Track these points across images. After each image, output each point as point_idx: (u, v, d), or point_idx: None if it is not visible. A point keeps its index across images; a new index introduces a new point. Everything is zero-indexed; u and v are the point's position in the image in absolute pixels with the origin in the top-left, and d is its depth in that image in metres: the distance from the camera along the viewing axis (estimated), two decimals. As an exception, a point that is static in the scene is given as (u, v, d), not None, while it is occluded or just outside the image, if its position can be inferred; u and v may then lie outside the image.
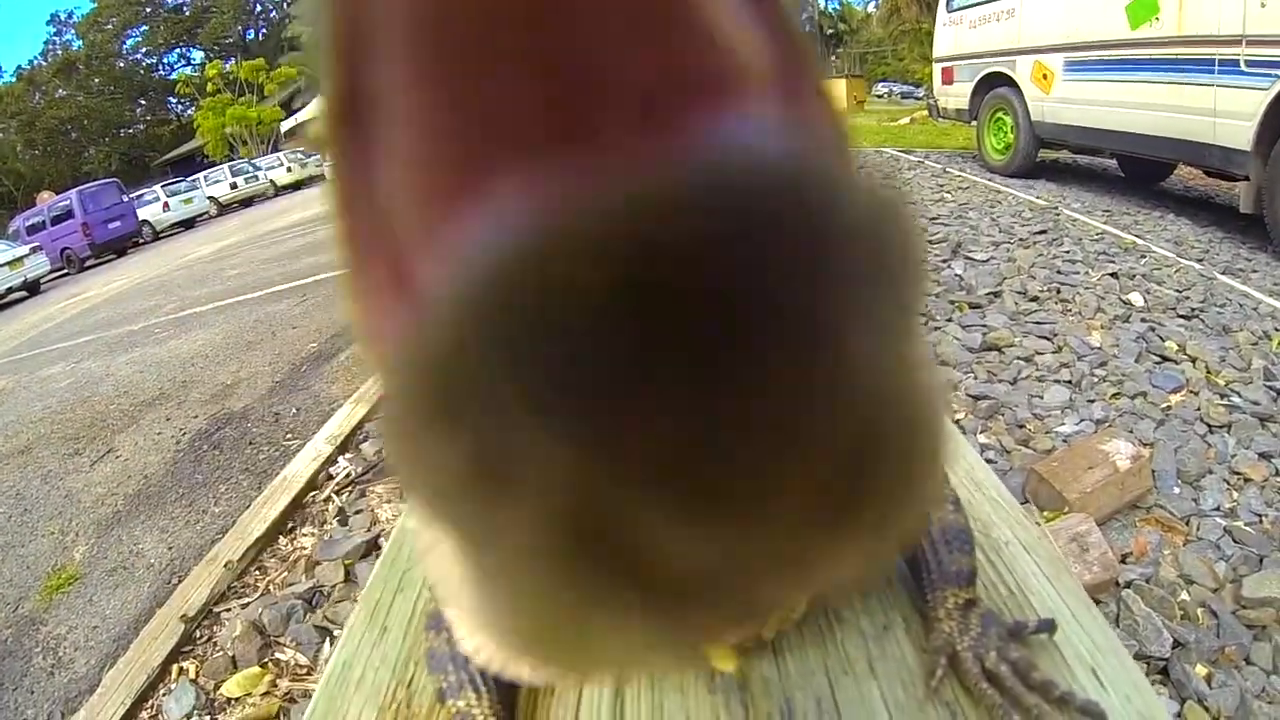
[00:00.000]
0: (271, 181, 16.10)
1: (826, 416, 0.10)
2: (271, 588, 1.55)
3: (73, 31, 32.92)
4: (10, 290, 9.33)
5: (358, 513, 1.73)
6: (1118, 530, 1.40)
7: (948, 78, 5.20)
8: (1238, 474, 1.53)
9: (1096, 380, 1.88)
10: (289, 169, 16.23)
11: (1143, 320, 2.21)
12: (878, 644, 0.49)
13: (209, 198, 15.08)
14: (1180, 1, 3.07)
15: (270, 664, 1.35)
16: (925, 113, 7.05)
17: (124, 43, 33.20)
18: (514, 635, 0.15)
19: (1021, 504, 1.00)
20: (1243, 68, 2.77)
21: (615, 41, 0.10)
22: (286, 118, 21.55)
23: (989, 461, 1.54)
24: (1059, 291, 2.42)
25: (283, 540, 1.71)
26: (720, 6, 0.11)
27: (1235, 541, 1.34)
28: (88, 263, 11.54)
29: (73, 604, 1.70)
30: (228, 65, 25.31)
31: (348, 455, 2.00)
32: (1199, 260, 2.77)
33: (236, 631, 1.42)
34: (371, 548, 1.58)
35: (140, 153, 32.02)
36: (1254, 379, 1.86)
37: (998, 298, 2.41)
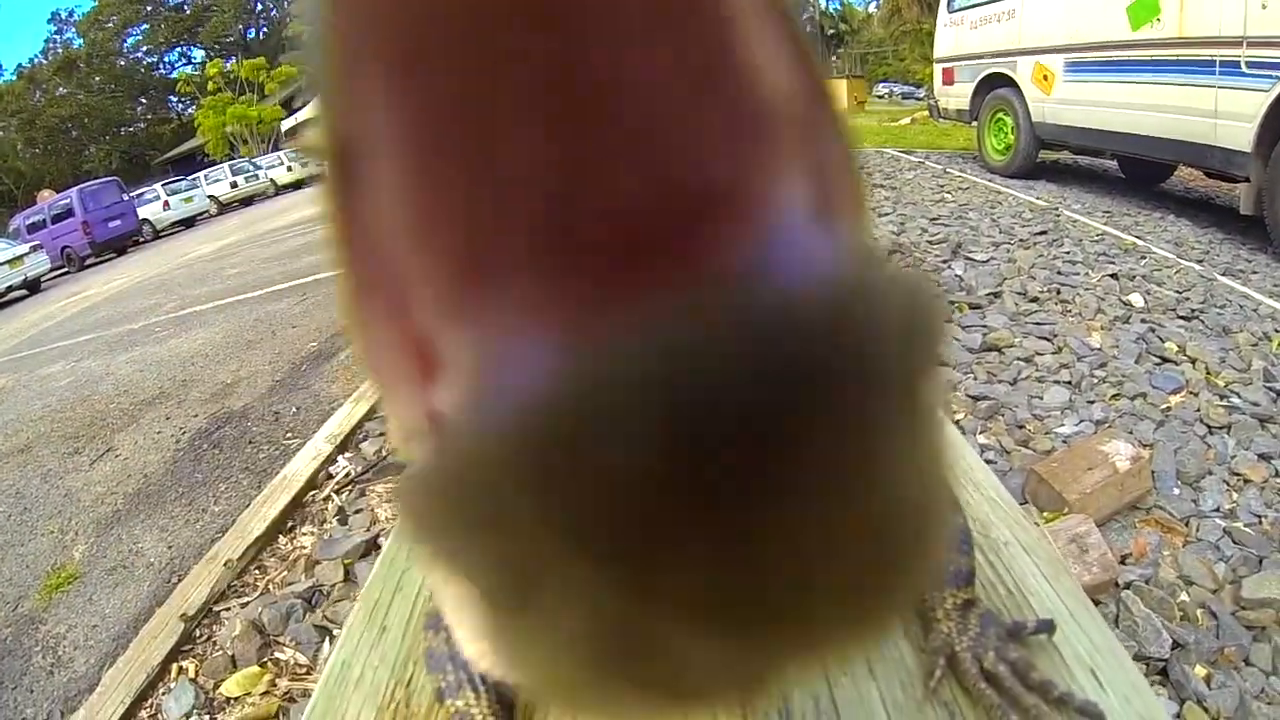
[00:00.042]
0: (272, 180, 16.09)
1: (859, 543, 0.10)
2: (271, 587, 1.55)
3: (73, 30, 32.97)
4: (10, 289, 9.33)
5: (357, 512, 1.73)
6: (1117, 531, 1.40)
7: (948, 78, 5.20)
8: (1237, 475, 1.53)
9: (1096, 381, 1.88)
10: (289, 168, 16.21)
11: (1143, 321, 2.21)
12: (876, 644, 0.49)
13: (209, 196, 15.07)
14: (1181, 3, 3.07)
15: (270, 663, 1.35)
16: (926, 113, 7.05)
17: (125, 41, 33.23)
18: (523, 681, 0.15)
19: (1021, 505, 1.00)
20: (1243, 69, 2.77)
21: (671, 136, 0.09)
22: (287, 117, 21.55)
23: (988, 462, 1.54)
24: (1059, 292, 2.42)
25: (282, 539, 1.71)
26: (759, 67, 0.10)
27: (1235, 542, 1.34)
28: (88, 261, 11.54)
29: (72, 603, 1.70)
30: (228, 64, 25.30)
31: (347, 454, 2.00)
32: (1199, 261, 2.76)
33: (236, 631, 1.42)
34: (371, 547, 1.58)
35: (141, 151, 32.02)
36: (1254, 380, 1.86)
37: (998, 298, 2.40)
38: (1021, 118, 4.36)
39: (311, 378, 2.76)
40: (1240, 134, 2.82)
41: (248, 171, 16.19)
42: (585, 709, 0.14)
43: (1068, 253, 2.82)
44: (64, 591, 1.75)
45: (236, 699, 1.29)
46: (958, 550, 0.48)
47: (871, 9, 24.40)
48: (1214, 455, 1.59)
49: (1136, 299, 2.36)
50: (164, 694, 1.34)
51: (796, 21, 0.12)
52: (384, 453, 1.93)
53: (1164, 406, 1.76)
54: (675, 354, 0.09)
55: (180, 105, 31.77)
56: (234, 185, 15.65)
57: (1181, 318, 2.24)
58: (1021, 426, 1.72)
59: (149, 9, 32.63)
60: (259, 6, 34.07)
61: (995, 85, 4.64)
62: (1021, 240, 3.01)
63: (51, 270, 10.55)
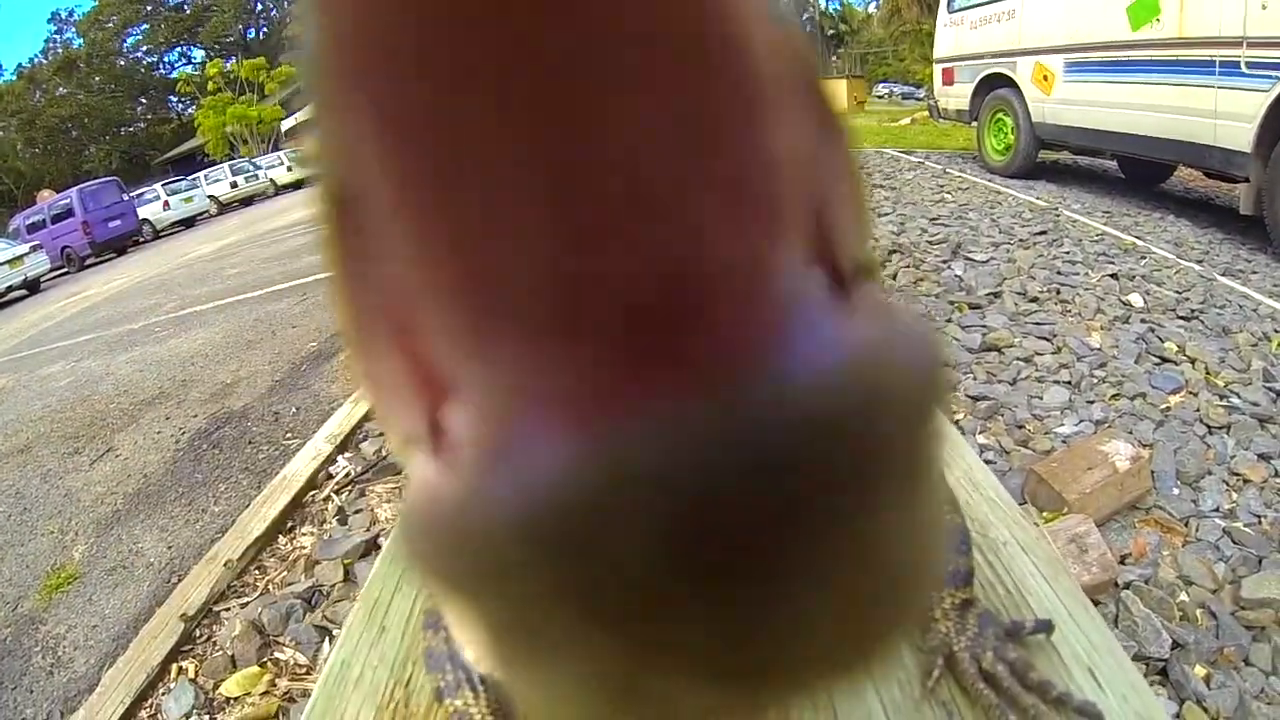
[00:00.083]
0: (272, 180, 16.08)
1: (859, 606, 0.11)
2: (271, 587, 1.55)
3: (73, 30, 32.96)
4: (10, 289, 9.33)
5: (357, 512, 1.73)
6: (1117, 531, 1.40)
7: (948, 78, 5.20)
8: (1237, 475, 1.53)
9: (1096, 381, 1.88)
10: (289, 168, 16.18)
11: (1142, 321, 2.21)
12: (875, 644, 0.49)
13: (209, 196, 15.06)
14: (1181, 3, 3.07)
15: (269, 663, 1.35)
16: (926, 113, 7.05)
17: (125, 41, 33.23)
18: (522, 698, 0.15)
19: (1020, 505, 1.00)
20: (1243, 69, 2.77)
21: (686, 217, 0.09)
22: (287, 117, 21.55)
23: (988, 462, 1.54)
24: (1059, 292, 2.42)
25: (282, 539, 1.71)
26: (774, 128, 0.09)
27: (1234, 542, 1.34)
28: (88, 261, 11.54)
29: (72, 603, 1.70)
30: (228, 64, 25.30)
31: (347, 454, 2.00)
32: (1199, 261, 2.76)
33: (236, 631, 1.42)
34: (371, 547, 1.58)
35: (141, 151, 32.01)
36: (1253, 380, 1.86)
37: (997, 298, 2.40)
38: (1021, 118, 4.36)
39: (311, 378, 2.76)
40: (1240, 134, 2.82)
41: (248, 171, 16.18)
42: None
43: (1067, 253, 2.82)
44: (64, 592, 1.75)
45: (236, 699, 1.29)
46: (956, 550, 0.48)
47: (871, 9, 24.41)
48: (1213, 455, 1.59)
49: (1136, 299, 2.36)
50: (164, 694, 1.34)
51: (819, 84, 0.12)
52: (384, 453, 1.93)
53: (1163, 406, 1.76)
54: (692, 449, 0.09)
55: (180, 105, 31.79)
56: (234, 185, 15.64)
57: (1181, 318, 2.24)
58: (1021, 426, 1.72)
59: (149, 9, 32.64)
60: (259, 6, 34.09)
61: (995, 85, 4.64)
62: (1021, 240, 3.01)
63: (51, 270, 10.55)
